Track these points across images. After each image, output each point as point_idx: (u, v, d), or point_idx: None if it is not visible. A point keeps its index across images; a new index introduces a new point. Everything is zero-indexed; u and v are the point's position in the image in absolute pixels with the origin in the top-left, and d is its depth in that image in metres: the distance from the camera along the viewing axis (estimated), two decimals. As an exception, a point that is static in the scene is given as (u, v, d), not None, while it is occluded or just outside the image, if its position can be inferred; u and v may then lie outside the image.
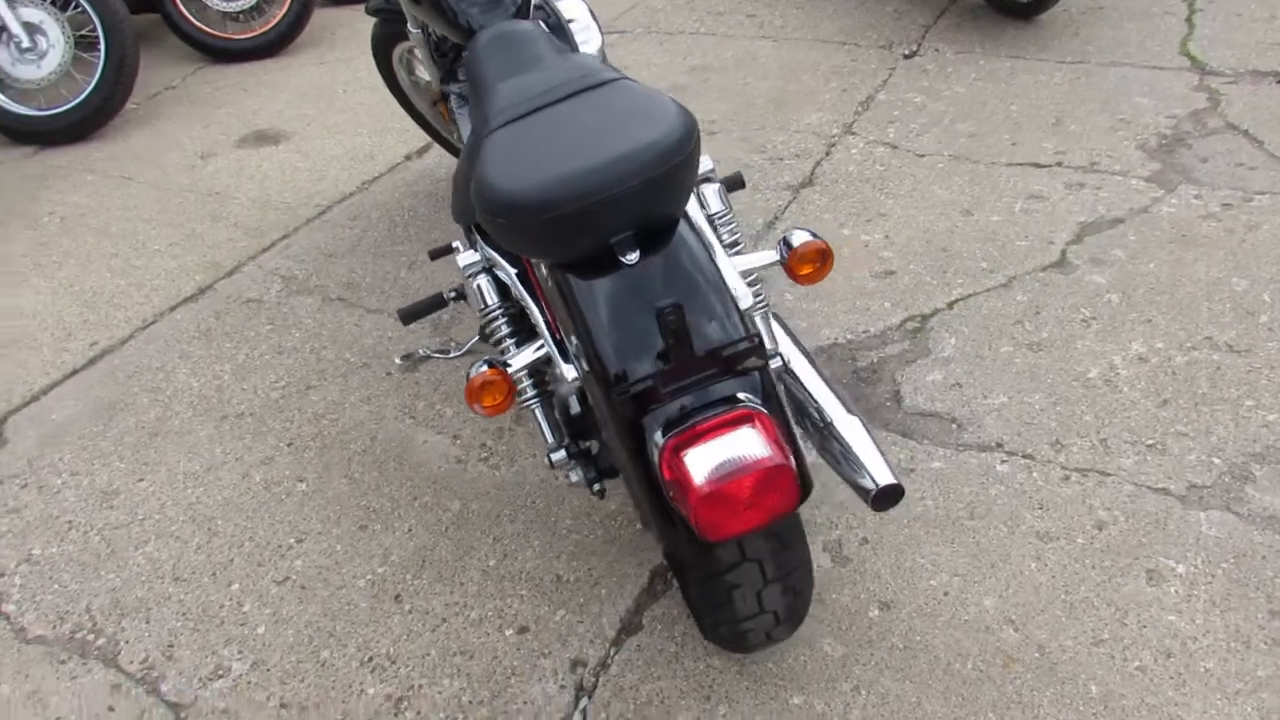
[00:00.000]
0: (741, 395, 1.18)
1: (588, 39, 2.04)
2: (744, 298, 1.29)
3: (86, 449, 2.27)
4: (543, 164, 1.20)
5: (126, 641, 1.80)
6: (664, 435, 1.16)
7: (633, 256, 1.22)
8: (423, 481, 2.07)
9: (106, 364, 2.55)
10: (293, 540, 1.96)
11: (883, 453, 1.52)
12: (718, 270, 1.26)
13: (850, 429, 1.56)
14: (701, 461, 1.10)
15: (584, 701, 1.60)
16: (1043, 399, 2.11)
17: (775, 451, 1.11)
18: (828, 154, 3.21)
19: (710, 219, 1.58)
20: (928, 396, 2.16)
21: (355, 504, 2.03)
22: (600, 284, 1.22)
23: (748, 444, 1.10)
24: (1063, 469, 1.94)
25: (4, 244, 3.18)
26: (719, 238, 1.56)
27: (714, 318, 1.21)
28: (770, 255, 1.45)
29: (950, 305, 2.44)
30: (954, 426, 2.07)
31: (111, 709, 1.68)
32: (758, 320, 1.59)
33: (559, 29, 2.03)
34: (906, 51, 3.81)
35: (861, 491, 1.49)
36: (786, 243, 1.41)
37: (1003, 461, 1.98)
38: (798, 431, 1.61)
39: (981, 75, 3.54)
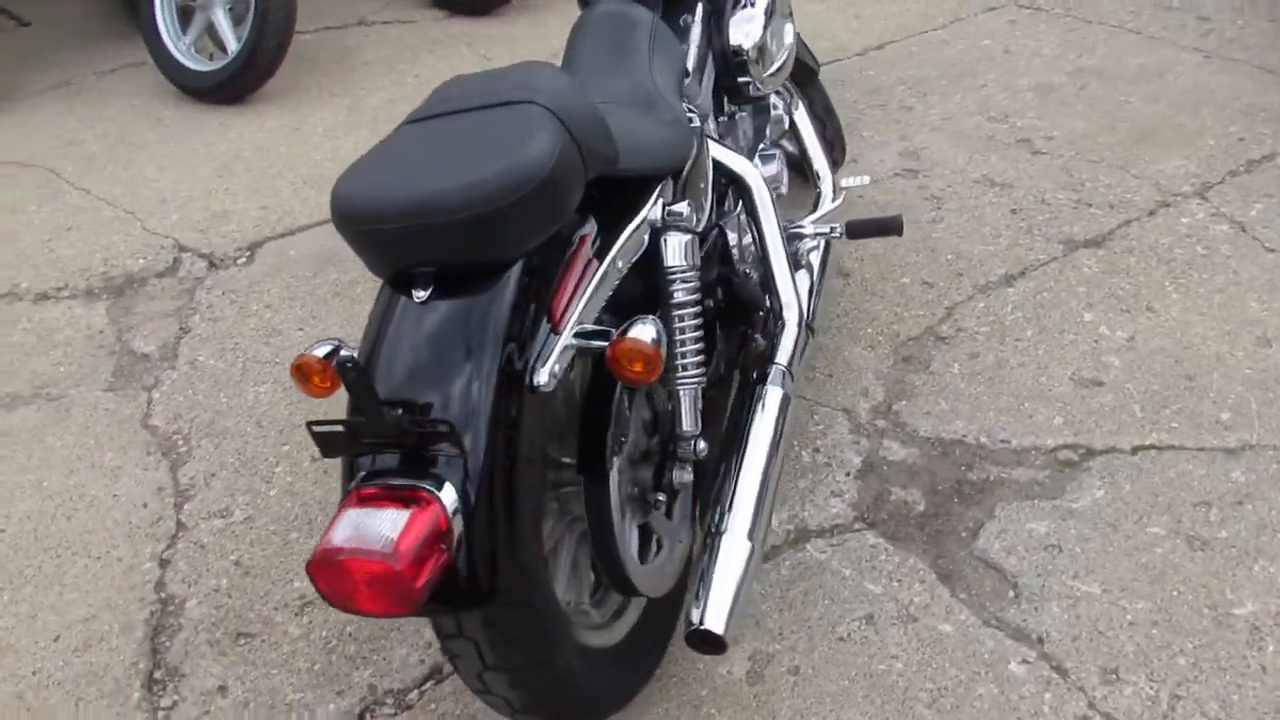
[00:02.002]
0: (434, 477, 1.06)
1: (748, 31, 1.84)
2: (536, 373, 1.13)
3: (288, 289, 2.64)
4: (377, 172, 1.14)
5: (192, 458, 2.13)
6: (349, 482, 1.10)
7: (420, 294, 1.14)
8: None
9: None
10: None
11: (737, 598, 1.31)
12: (500, 338, 1.12)
13: (731, 553, 1.36)
14: (340, 524, 1.03)
15: None
16: (1146, 613, 1.62)
17: (398, 549, 1.00)
18: (1149, 215, 2.59)
19: (667, 271, 1.38)
20: (1008, 546, 1.76)
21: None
22: (382, 305, 1.15)
23: (381, 527, 1.01)
24: (1090, 708, 1.50)
25: (370, 95, 3.69)
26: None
27: (439, 386, 1.09)
28: (599, 342, 1.19)
29: (1134, 451, 1.92)
30: (1009, 594, 1.67)
31: (146, 505, 2.02)
32: (683, 400, 1.40)
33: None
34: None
35: (687, 616, 1.31)
36: (623, 330, 1.19)
37: (1024, 662, 1.57)
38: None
39: None
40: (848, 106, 3.22)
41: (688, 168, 1.54)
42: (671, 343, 1.39)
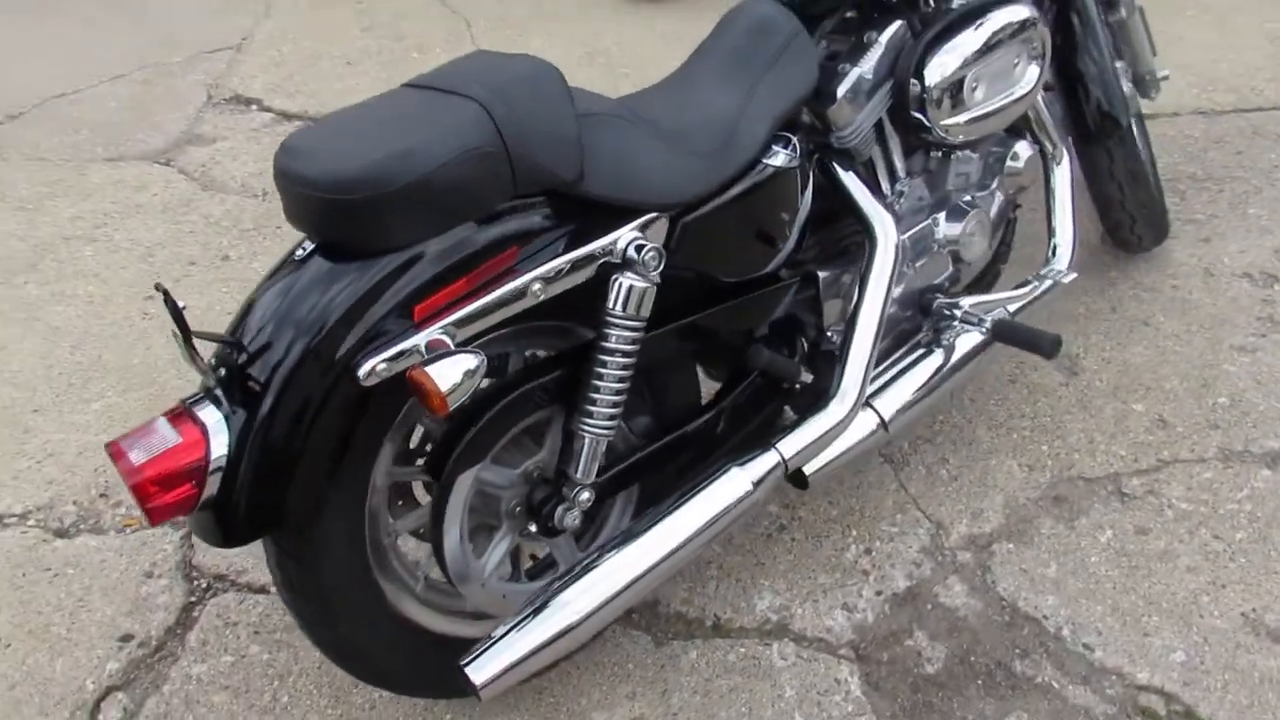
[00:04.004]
0: (224, 417, 1.10)
1: (941, 64, 1.53)
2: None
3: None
4: (319, 134, 1.16)
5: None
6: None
7: (299, 253, 1.17)
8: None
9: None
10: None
11: (515, 666, 1.25)
12: (336, 315, 1.11)
13: (537, 629, 1.28)
14: (140, 428, 1.12)
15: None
16: None
17: (140, 472, 1.07)
18: None
19: (605, 313, 1.25)
20: None
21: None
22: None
23: (146, 444, 1.09)
24: None
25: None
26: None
27: (273, 339, 1.10)
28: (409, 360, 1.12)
29: (1246, 743, 1.42)
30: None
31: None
32: (583, 446, 1.30)
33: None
34: None
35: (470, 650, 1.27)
36: (432, 357, 1.11)
37: None
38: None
39: None
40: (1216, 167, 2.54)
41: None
42: (586, 384, 1.30)
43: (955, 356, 1.67)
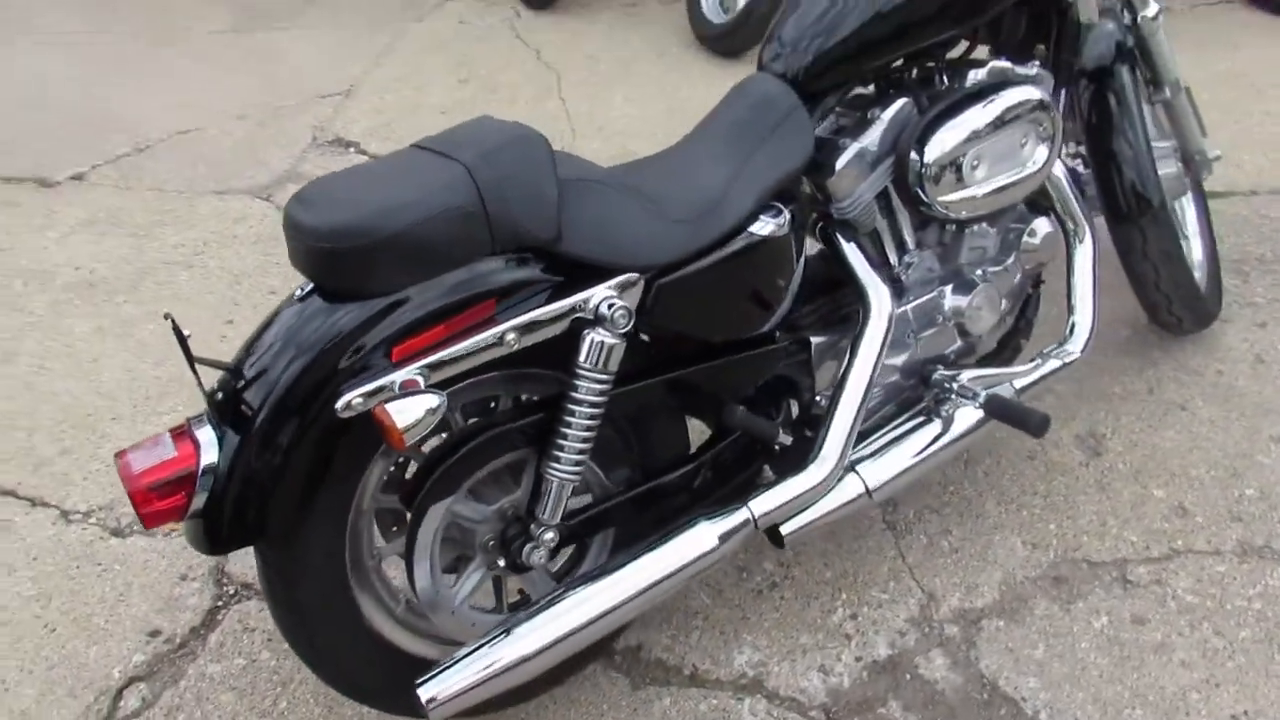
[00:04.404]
0: (218, 436, 1.22)
1: (940, 140, 1.57)
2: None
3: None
4: (325, 187, 1.28)
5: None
6: None
7: (298, 292, 1.29)
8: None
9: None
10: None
11: (468, 691, 1.32)
12: (320, 350, 1.22)
13: (495, 655, 1.35)
14: (147, 442, 1.26)
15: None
16: None
17: (137, 479, 1.19)
18: None
19: (576, 365, 1.33)
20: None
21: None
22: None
23: (148, 456, 1.22)
24: None
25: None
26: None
27: (266, 367, 1.22)
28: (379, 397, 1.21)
29: None
30: None
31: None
32: (550, 489, 1.38)
33: None
34: None
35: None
36: (398, 395, 1.23)
37: None
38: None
39: None
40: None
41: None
42: (555, 431, 1.38)
43: (950, 429, 1.68)
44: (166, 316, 1.25)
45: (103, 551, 1.98)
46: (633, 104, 3.66)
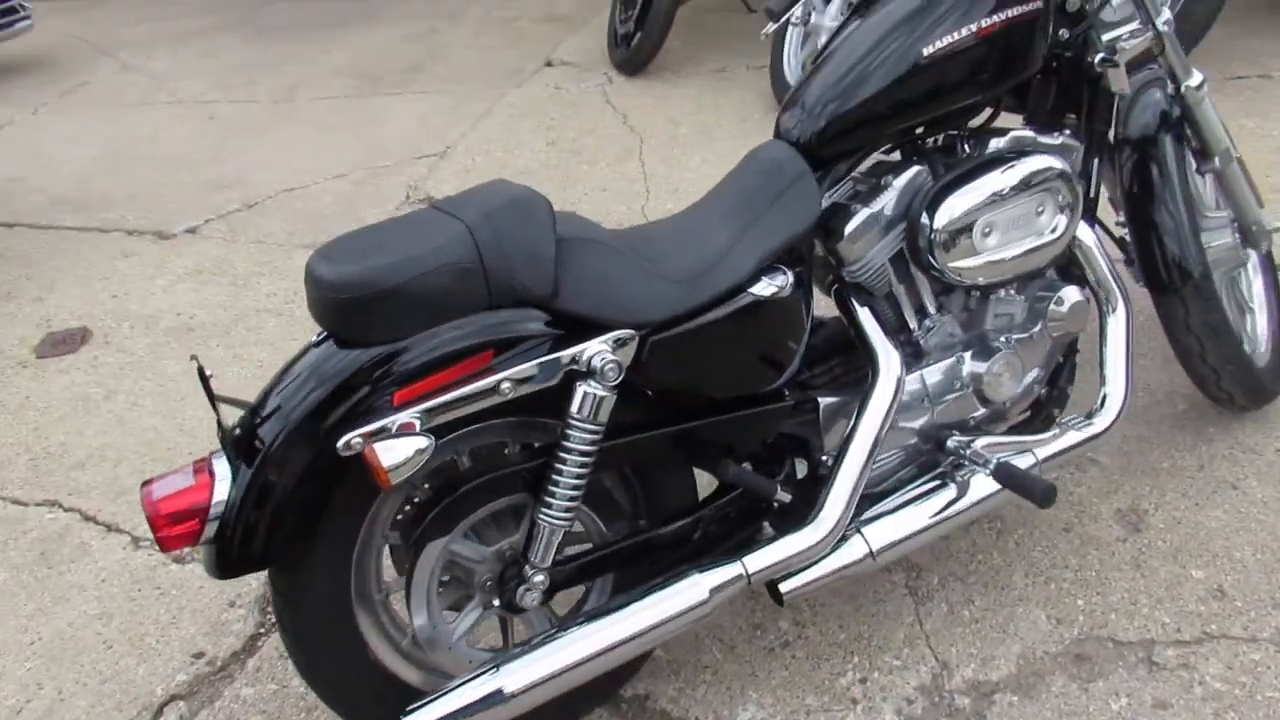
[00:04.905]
0: (235, 469, 1.33)
1: (951, 206, 1.59)
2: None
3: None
4: (344, 244, 1.39)
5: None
6: None
7: (313, 339, 1.39)
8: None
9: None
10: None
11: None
12: (330, 393, 1.31)
13: (482, 688, 1.41)
14: (171, 472, 1.37)
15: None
16: None
17: (156, 506, 1.31)
18: None
19: (568, 416, 1.39)
20: None
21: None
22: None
23: (167, 485, 1.33)
24: None
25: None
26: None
27: (279, 406, 1.32)
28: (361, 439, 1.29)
29: None
30: None
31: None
32: (542, 532, 1.44)
33: None
34: None
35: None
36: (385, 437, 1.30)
37: None
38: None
39: None
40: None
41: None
42: (546, 478, 1.44)
43: (964, 496, 1.67)
44: (193, 358, 1.37)
45: (163, 576, 2.12)
46: (709, 166, 3.75)
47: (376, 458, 1.27)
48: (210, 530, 1.34)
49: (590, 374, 1.40)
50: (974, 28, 1.58)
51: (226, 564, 1.35)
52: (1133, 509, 2.00)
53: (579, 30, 5.61)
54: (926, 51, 1.57)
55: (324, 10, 6.93)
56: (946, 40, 1.57)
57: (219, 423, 1.37)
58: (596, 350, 1.40)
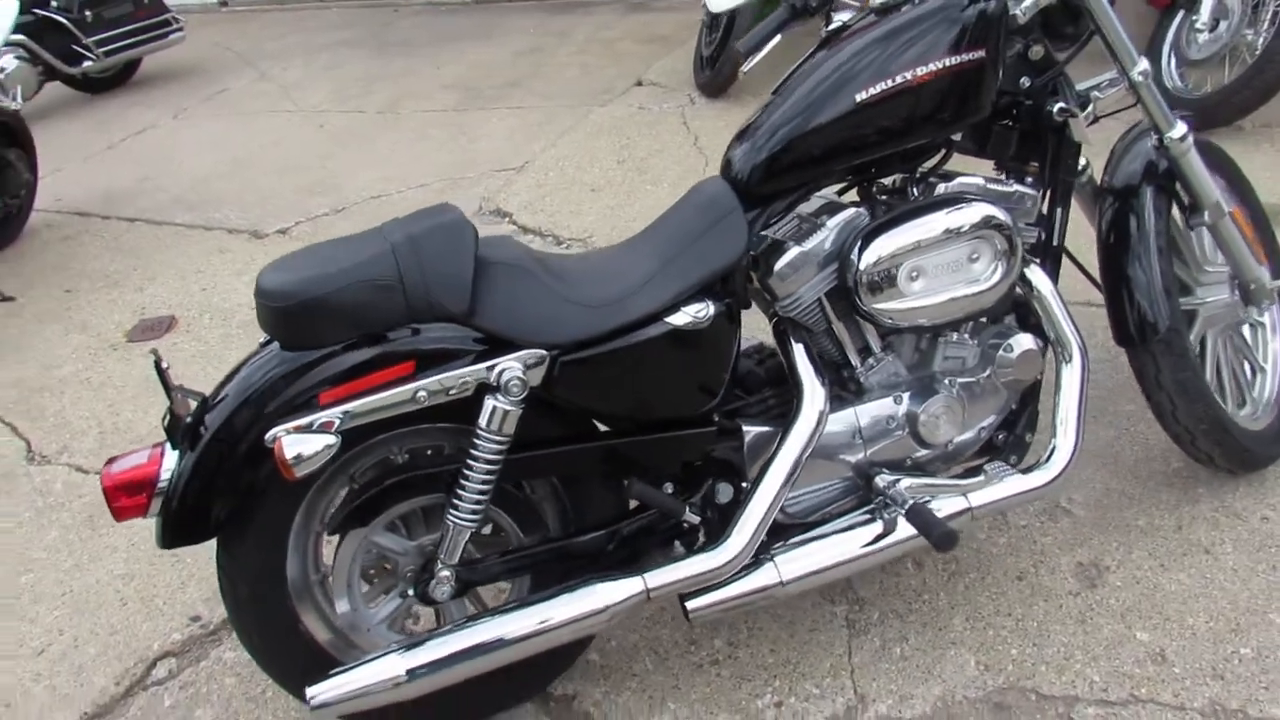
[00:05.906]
0: (183, 449, 1.50)
1: (877, 248, 1.62)
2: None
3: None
4: (296, 256, 1.56)
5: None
6: None
7: (262, 339, 1.56)
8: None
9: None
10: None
11: (355, 697, 1.51)
12: (264, 391, 1.47)
13: (384, 667, 1.53)
14: (133, 451, 1.56)
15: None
16: None
17: (110, 477, 1.49)
18: None
19: (476, 428, 1.50)
20: None
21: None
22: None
23: (123, 463, 1.51)
24: None
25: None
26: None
27: (226, 397, 1.49)
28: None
29: None
30: None
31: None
32: (450, 532, 1.56)
33: None
34: None
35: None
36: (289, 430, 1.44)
37: None
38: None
39: None
40: None
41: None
42: (457, 484, 1.56)
43: (888, 533, 1.69)
44: (152, 352, 1.56)
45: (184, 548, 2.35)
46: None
47: (281, 451, 1.42)
48: (156, 505, 1.52)
49: (499, 389, 1.51)
50: (909, 75, 1.61)
51: (167, 535, 1.53)
52: (1094, 563, 1.96)
53: (674, 51, 5.73)
54: (859, 97, 1.61)
55: (445, 26, 7.30)
56: (880, 86, 1.61)
57: (170, 410, 1.55)
58: (506, 367, 1.51)
